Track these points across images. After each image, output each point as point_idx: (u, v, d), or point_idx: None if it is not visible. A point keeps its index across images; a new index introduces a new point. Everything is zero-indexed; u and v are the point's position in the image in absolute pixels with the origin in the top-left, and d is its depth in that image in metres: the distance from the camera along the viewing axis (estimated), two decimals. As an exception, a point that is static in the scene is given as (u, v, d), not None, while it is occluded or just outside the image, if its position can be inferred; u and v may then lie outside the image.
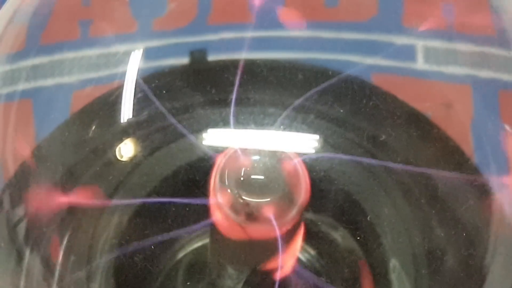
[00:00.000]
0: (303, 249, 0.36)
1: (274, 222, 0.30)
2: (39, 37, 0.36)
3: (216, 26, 0.38)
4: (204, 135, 0.34)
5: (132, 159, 0.35)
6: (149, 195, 0.35)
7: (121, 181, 0.35)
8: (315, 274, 0.36)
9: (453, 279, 0.33)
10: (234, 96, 0.33)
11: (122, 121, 0.35)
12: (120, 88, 0.34)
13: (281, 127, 0.34)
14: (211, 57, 0.38)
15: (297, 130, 0.34)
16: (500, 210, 0.33)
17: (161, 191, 0.35)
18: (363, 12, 0.38)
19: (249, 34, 0.37)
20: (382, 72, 0.37)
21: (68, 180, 0.34)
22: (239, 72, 0.33)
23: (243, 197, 0.29)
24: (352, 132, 0.36)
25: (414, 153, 0.35)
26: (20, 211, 0.33)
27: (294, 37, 0.38)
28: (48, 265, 0.33)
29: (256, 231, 0.30)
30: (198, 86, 0.36)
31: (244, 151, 0.30)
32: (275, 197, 0.30)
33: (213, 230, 0.32)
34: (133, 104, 0.34)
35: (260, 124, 0.35)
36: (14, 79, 0.35)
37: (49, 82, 0.36)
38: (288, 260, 0.33)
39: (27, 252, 0.32)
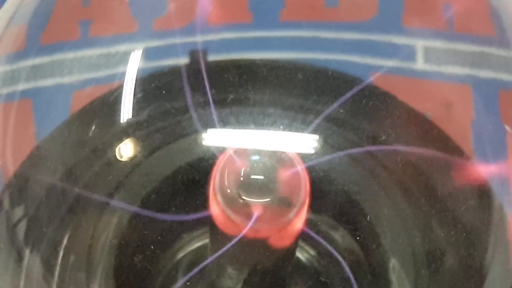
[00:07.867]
0: (303, 249, 0.37)
1: (273, 222, 0.30)
2: (39, 37, 0.36)
3: (216, 26, 0.38)
4: (204, 135, 0.34)
5: (132, 159, 0.35)
6: (149, 195, 0.35)
7: (120, 181, 0.35)
8: (315, 274, 0.36)
9: (453, 279, 0.33)
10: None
11: (122, 121, 0.35)
12: (120, 88, 0.34)
13: (281, 127, 0.34)
14: (211, 57, 0.38)
15: (297, 130, 0.34)
16: (500, 210, 0.33)
17: (161, 191, 0.35)
18: (363, 12, 0.38)
19: (249, 34, 0.37)
20: (382, 72, 0.37)
21: (68, 180, 0.34)
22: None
23: (243, 197, 0.29)
24: (352, 132, 0.36)
25: (414, 153, 0.35)
26: (20, 211, 0.33)
27: (294, 37, 0.38)
28: (48, 265, 0.33)
29: (256, 231, 0.30)
30: (198, 86, 0.36)
31: (244, 151, 0.30)
32: (275, 197, 0.30)
33: (213, 230, 0.32)
34: (133, 104, 0.34)
35: (259, 124, 0.35)
36: (14, 79, 0.35)
37: (49, 82, 0.36)
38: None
39: (27, 252, 0.32)
